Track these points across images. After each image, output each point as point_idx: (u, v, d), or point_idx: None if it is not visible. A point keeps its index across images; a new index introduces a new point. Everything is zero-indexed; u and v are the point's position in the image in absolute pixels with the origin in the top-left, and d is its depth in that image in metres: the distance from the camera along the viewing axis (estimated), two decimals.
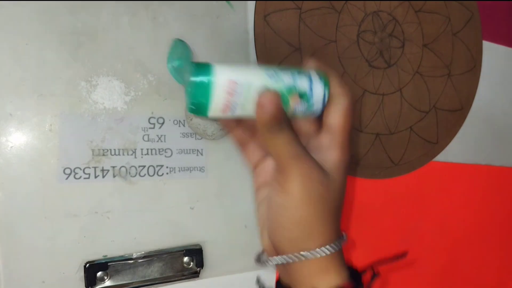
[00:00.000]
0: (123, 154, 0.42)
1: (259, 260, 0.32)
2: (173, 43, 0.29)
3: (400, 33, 0.59)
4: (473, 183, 0.65)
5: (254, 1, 0.50)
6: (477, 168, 0.66)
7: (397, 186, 0.58)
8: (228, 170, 0.47)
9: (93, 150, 0.41)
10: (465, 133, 0.64)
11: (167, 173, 0.44)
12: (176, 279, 0.43)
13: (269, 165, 0.32)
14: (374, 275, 0.31)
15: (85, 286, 0.39)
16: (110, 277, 0.40)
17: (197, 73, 0.27)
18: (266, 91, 0.27)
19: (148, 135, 0.43)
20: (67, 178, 0.40)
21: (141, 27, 0.44)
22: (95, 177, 0.41)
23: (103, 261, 0.40)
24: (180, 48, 0.29)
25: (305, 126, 0.31)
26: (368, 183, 0.56)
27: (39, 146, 0.39)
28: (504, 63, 0.69)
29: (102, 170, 0.41)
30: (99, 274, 0.40)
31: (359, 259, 0.56)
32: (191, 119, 0.43)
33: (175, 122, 0.45)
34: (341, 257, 0.30)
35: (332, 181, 0.29)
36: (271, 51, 0.50)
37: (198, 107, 0.27)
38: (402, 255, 0.32)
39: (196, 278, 0.44)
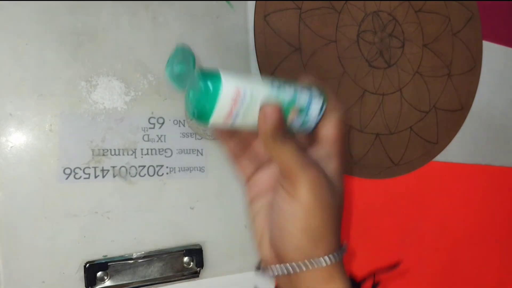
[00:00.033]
0: (123, 154, 0.42)
1: (261, 269, 0.32)
2: (177, 48, 0.28)
3: (400, 33, 0.59)
4: (473, 183, 0.65)
5: (254, 1, 0.50)
6: (477, 168, 0.66)
7: (397, 186, 0.58)
8: (228, 170, 0.47)
9: (93, 150, 0.41)
10: (465, 133, 0.64)
11: (167, 173, 0.44)
12: (176, 279, 0.43)
13: (262, 177, 0.32)
14: (375, 284, 0.32)
15: (85, 286, 0.39)
16: (110, 277, 0.40)
17: (205, 81, 0.27)
18: (270, 102, 0.27)
19: (148, 135, 0.43)
20: (67, 178, 0.40)
21: (141, 27, 0.44)
22: (95, 177, 0.41)
23: (103, 261, 0.40)
24: (184, 53, 0.28)
25: (300, 139, 0.31)
26: (368, 183, 0.56)
27: (39, 146, 0.39)
28: (504, 63, 0.69)
29: (102, 170, 0.41)
30: (99, 274, 0.40)
31: (359, 259, 0.56)
32: (191, 119, 0.43)
33: (175, 122, 0.45)
34: (343, 265, 0.30)
35: (336, 189, 0.29)
36: (271, 51, 0.50)
37: (201, 115, 0.28)
38: (395, 265, 0.32)
39: (196, 278, 0.44)
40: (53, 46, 0.40)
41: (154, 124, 0.44)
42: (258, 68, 0.49)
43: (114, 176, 0.41)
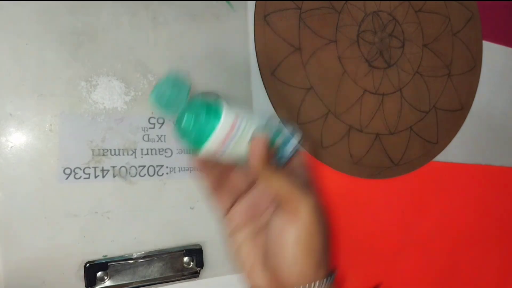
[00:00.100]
0: (123, 154, 0.42)
1: None
2: (170, 74, 0.29)
3: (400, 33, 0.59)
4: (473, 183, 0.65)
5: (254, 1, 0.49)
6: (477, 168, 0.66)
7: (397, 186, 0.58)
8: None
9: (93, 150, 0.41)
10: (465, 133, 0.64)
11: (167, 173, 0.44)
12: (176, 279, 0.43)
13: (240, 209, 0.33)
14: None
15: (85, 286, 0.39)
16: (110, 277, 0.40)
17: (207, 112, 0.29)
18: (261, 134, 0.29)
19: (148, 135, 0.43)
20: (67, 178, 0.40)
21: (141, 27, 0.44)
22: (95, 177, 0.41)
23: (103, 261, 0.40)
24: (177, 80, 0.29)
25: None
26: (368, 183, 0.56)
27: (39, 146, 0.39)
28: (504, 63, 0.69)
29: (102, 170, 0.41)
30: (99, 274, 0.40)
31: (360, 259, 0.56)
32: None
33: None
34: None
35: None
36: (271, 51, 0.50)
37: (195, 143, 0.29)
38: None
39: (196, 278, 0.44)
40: (53, 46, 0.40)
41: (154, 124, 0.44)
42: (258, 68, 0.49)
43: (114, 176, 0.41)
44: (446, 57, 0.63)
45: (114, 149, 0.42)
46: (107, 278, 0.40)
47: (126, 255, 0.41)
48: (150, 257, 0.42)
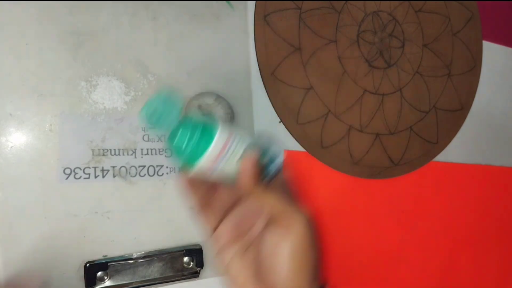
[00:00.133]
0: (123, 154, 0.42)
1: None
2: (162, 91, 0.30)
3: (400, 33, 0.59)
4: (473, 183, 0.65)
5: (254, 1, 0.49)
6: (477, 168, 0.66)
7: (397, 186, 0.58)
8: None
9: (93, 150, 0.41)
10: (465, 133, 0.64)
11: (167, 173, 0.44)
12: (176, 279, 0.43)
13: (226, 227, 0.34)
14: None
15: (85, 286, 0.39)
16: (110, 277, 0.40)
17: (202, 131, 0.29)
18: (251, 153, 0.30)
19: (148, 135, 0.43)
20: (67, 178, 0.40)
21: (141, 27, 0.44)
22: (95, 177, 0.41)
23: (103, 261, 0.40)
24: (169, 97, 0.30)
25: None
26: (368, 183, 0.56)
27: (39, 146, 0.39)
28: (504, 63, 0.69)
29: (102, 170, 0.41)
30: (99, 274, 0.40)
31: (360, 259, 0.56)
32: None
33: None
34: None
35: None
36: (271, 51, 0.50)
37: (189, 161, 0.29)
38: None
39: (196, 278, 0.44)
40: (53, 46, 0.40)
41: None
42: (258, 68, 0.49)
43: (114, 176, 0.41)
44: (446, 57, 0.63)
45: (114, 149, 0.42)
46: (107, 278, 0.40)
47: (126, 255, 0.41)
48: (150, 257, 0.42)
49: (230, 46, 0.48)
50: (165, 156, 0.44)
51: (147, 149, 0.43)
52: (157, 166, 0.43)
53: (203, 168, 0.30)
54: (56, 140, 0.39)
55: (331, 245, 0.54)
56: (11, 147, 0.38)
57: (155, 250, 0.42)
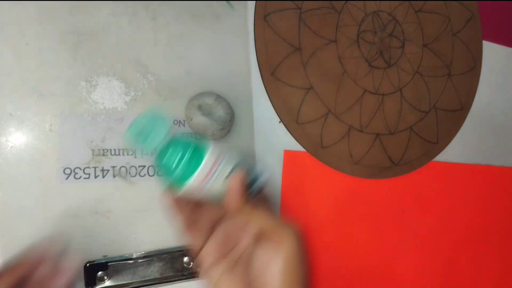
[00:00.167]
0: (123, 154, 0.42)
1: None
2: (148, 111, 0.30)
3: (400, 33, 0.59)
4: (473, 183, 0.65)
5: (254, 1, 0.50)
6: (477, 168, 0.66)
7: (397, 186, 0.58)
8: None
9: (93, 150, 0.41)
10: (465, 133, 0.64)
11: None
12: (176, 279, 0.43)
13: (212, 246, 0.34)
14: None
15: (85, 286, 0.39)
16: (110, 277, 0.40)
17: (193, 151, 0.30)
18: (238, 173, 0.30)
19: None
20: (67, 178, 0.40)
21: (141, 27, 0.44)
22: (95, 177, 0.41)
23: (103, 261, 0.40)
24: (156, 118, 0.30)
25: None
26: (368, 183, 0.56)
27: (39, 146, 0.39)
28: (504, 63, 0.69)
29: (102, 170, 0.41)
30: (99, 274, 0.40)
31: (360, 259, 0.56)
32: (191, 119, 0.43)
33: (175, 122, 0.45)
34: None
35: None
36: (271, 51, 0.50)
37: (179, 180, 0.30)
38: None
39: (196, 278, 0.44)
40: (53, 46, 0.40)
41: None
42: (258, 68, 0.49)
43: (114, 176, 0.41)
44: (446, 57, 0.63)
45: (114, 149, 0.42)
46: (107, 278, 0.40)
47: (126, 255, 0.41)
48: (150, 257, 0.42)
49: (230, 46, 0.48)
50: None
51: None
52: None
53: (191, 187, 0.30)
54: (56, 140, 0.39)
55: (331, 245, 0.54)
56: (11, 147, 0.38)
57: (155, 250, 0.42)
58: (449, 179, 0.63)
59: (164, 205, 0.33)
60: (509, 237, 0.69)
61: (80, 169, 0.40)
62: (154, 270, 0.42)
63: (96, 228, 0.40)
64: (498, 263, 0.68)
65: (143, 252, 0.42)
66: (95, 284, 0.39)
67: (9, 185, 0.38)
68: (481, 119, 0.66)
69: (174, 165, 0.29)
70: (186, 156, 0.29)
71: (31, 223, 0.38)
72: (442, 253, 0.62)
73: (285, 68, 0.51)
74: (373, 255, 0.57)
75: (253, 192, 0.32)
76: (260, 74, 0.49)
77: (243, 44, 0.49)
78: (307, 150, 0.52)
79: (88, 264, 0.39)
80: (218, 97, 0.44)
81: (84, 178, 0.40)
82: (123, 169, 0.42)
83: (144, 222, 0.42)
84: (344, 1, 0.55)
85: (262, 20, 0.50)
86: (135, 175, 0.42)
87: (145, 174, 0.43)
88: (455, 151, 0.63)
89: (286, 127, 0.51)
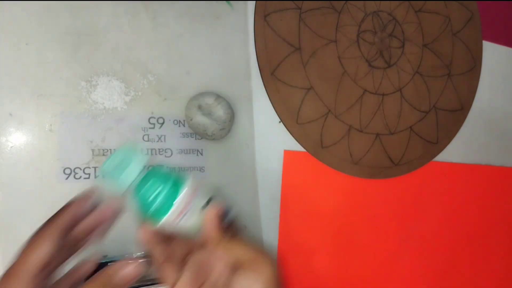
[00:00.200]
0: None
1: None
2: (124, 146, 0.30)
3: (400, 33, 0.59)
4: (473, 183, 0.65)
5: (254, 1, 0.50)
6: (477, 168, 0.66)
7: (397, 186, 0.58)
8: (228, 170, 0.47)
9: (93, 150, 0.41)
10: (465, 133, 0.64)
11: None
12: None
13: (188, 278, 0.34)
14: None
15: None
16: None
17: (170, 187, 0.30)
18: (214, 206, 0.31)
19: (148, 135, 0.43)
20: (67, 178, 0.40)
21: (141, 27, 0.44)
22: (95, 177, 0.41)
23: (103, 261, 0.40)
24: (132, 153, 0.30)
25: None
26: (368, 183, 0.56)
27: (39, 146, 0.39)
28: (504, 63, 0.69)
29: None
30: None
31: (360, 259, 0.56)
32: (191, 119, 0.43)
33: (175, 122, 0.45)
34: None
35: None
36: (271, 51, 0.50)
37: (155, 215, 0.30)
38: None
39: None
40: (53, 46, 0.40)
41: (154, 124, 0.44)
42: (258, 68, 0.49)
43: None
44: (446, 57, 0.63)
45: (114, 149, 0.42)
46: None
47: (126, 255, 0.41)
48: (150, 257, 0.42)
49: (230, 46, 0.48)
50: (165, 156, 0.44)
51: (147, 149, 0.43)
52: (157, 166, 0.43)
53: (167, 221, 0.30)
54: (56, 140, 0.39)
55: (331, 245, 0.54)
56: (11, 147, 0.38)
57: None
58: (449, 179, 0.63)
59: (139, 240, 0.33)
60: (509, 237, 0.69)
61: (80, 169, 0.40)
62: (154, 270, 0.42)
63: None
64: (498, 263, 0.68)
65: (143, 252, 0.42)
66: None
67: (9, 185, 0.38)
68: (481, 119, 0.66)
69: (150, 200, 0.29)
70: (163, 191, 0.29)
71: (31, 223, 0.38)
72: (442, 253, 0.62)
73: (285, 68, 0.51)
74: (373, 255, 0.57)
75: (228, 224, 0.32)
76: (260, 74, 0.49)
77: (243, 44, 0.49)
78: (307, 150, 0.52)
79: None
80: (218, 97, 0.44)
81: (84, 178, 0.40)
82: None
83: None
84: (344, 1, 0.55)
85: (262, 20, 0.50)
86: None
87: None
88: (455, 151, 0.63)
89: (286, 127, 0.51)
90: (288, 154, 0.51)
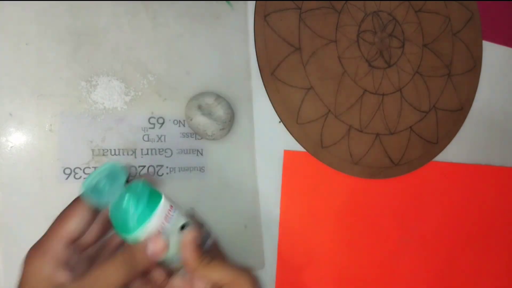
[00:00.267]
0: (123, 154, 0.42)
1: None
2: (105, 166, 0.30)
3: (400, 33, 0.59)
4: (473, 183, 0.65)
5: (254, 1, 0.50)
6: (477, 168, 0.66)
7: (397, 186, 0.58)
8: (228, 170, 0.47)
9: (93, 150, 0.41)
10: (465, 133, 0.64)
11: (167, 173, 0.44)
12: None
13: None
14: None
15: None
16: None
17: (147, 202, 0.29)
18: (190, 230, 0.31)
19: (148, 135, 0.43)
20: (67, 178, 0.40)
21: (141, 27, 0.44)
22: None
23: None
24: (114, 170, 0.30)
25: None
26: (368, 183, 0.56)
27: (39, 146, 0.39)
28: (504, 63, 0.69)
29: None
30: None
31: (360, 259, 0.56)
32: (191, 119, 0.43)
33: (175, 122, 0.45)
34: None
35: None
36: (271, 51, 0.50)
37: (132, 236, 0.29)
38: None
39: None
40: (53, 46, 0.40)
41: (154, 124, 0.44)
42: (258, 68, 0.49)
43: None
44: (446, 57, 0.63)
45: (114, 149, 0.42)
46: None
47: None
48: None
49: (230, 46, 0.48)
50: (165, 156, 0.44)
51: (147, 149, 0.43)
52: (157, 166, 0.43)
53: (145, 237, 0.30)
54: (56, 140, 0.39)
55: (330, 245, 0.54)
56: (11, 147, 0.38)
57: None
58: (449, 179, 0.63)
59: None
60: (509, 237, 0.69)
61: (80, 169, 0.40)
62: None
63: None
64: (499, 263, 0.68)
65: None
66: None
67: (9, 185, 0.38)
68: (481, 119, 0.66)
69: (124, 219, 0.29)
70: (140, 206, 0.29)
71: (31, 223, 0.38)
72: (442, 253, 0.62)
73: (285, 68, 0.51)
74: (373, 255, 0.57)
75: (207, 246, 0.33)
76: (260, 74, 0.50)
77: (243, 44, 0.49)
78: (307, 150, 0.52)
79: None
80: (218, 97, 0.44)
81: (84, 178, 0.40)
82: None
83: None
84: (344, 1, 0.55)
85: (262, 20, 0.50)
86: (135, 175, 0.42)
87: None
88: (455, 151, 0.63)
89: (286, 127, 0.51)
90: (288, 154, 0.51)
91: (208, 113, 0.43)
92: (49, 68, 0.40)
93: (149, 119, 0.43)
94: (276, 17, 0.51)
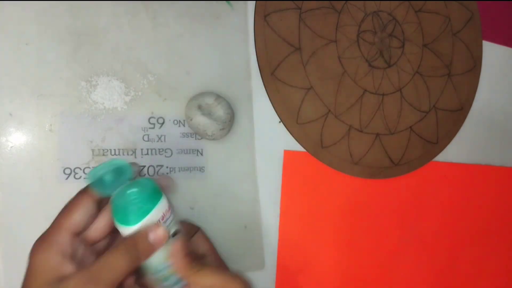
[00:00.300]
0: (123, 154, 0.42)
1: None
2: (111, 161, 0.30)
3: (400, 33, 0.59)
4: (473, 183, 0.65)
5: (254, 1, 0.50)
6: (477, 168, 0.66)
7: (397, 186, 0.58)
8: (228, 170, 0.47)
9: (93, 150, 0.41)
10: (465, 133, 0.64)
11: (167, 173, 0.44)
12: None
13: None
14: None
15: None
16: None
17: (146, 195, 0.30)
18: (180, 237, 0.31)
19: (148, 135, 0.43)
20: (67, 178, 0.40)
21: (141, 27, 0.44)
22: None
23: None
24: (119, 166, 0.30)
25: None
26: (368, 183, 0.56)
27: (39, 146, 0.39)
28: (504, 63, 0.69)
29: None
30: None
31: (360, 259, 0.56)
32: (191, 119, 0.43)
33: (175, 122, 0.45)
34: None
35: None
36: (271, 51, 0.50)
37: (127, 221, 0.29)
38: None
39: None
40: (53, 46, 0.40)
41: (154, 124, 0.44)
42: (258, 68, 0.49)
43: None
44: (446, 57, 0.63)
45: (114, 149, 0.42)
46: None
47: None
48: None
49: (230, 46, 0.48)
50: (165, 156, 0.44)
51: (147, 149, 0.43)
52: (157, 166, 0.43)
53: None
54: (56, 140, 0.39)
55: (330, 245, 0.54)
56: (11, 147, 0.38)
57: None
58: (449, 179, 0.63)
59: None
60: (510, 237, 0.69)
61: (80, 169, 0.40)
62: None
63: None
64: (499, 263, 0.68)
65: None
66: None
67: (9, 185, 0.38)
68: (481, 119, 0.66)
69: (129, 208, 0.29)
70: (141, 199, 0.29)
71: (31, 223, 0.38)
72: (443, 253, 0.62)
73: (285, 68, 0.51)
74: (373, 255, 0.57)
75: (198, 257, 0.33)
76: (260, 74, 0.50)
77: (243, 44, 0.49)
78: (307, 150, 0.52)
79: None
80: (218, 97, 0.44)
81: (84, 178, 0.40)
82: None
83: None
84: (344, 1, 0.55)
85: (262, 20, 0.50)
86: (140, 172, 0.42)
87: (145, 174, 0.43)
88: (455, 151, 0.63)
89: (286, 127, 0.51)
90: (288, 154, 0.51)
91: (208, 113, 0.43)
92: (49, 68, 0.40)
93: (149, 119, 0.43)
94: (276, 17, 0.51)
